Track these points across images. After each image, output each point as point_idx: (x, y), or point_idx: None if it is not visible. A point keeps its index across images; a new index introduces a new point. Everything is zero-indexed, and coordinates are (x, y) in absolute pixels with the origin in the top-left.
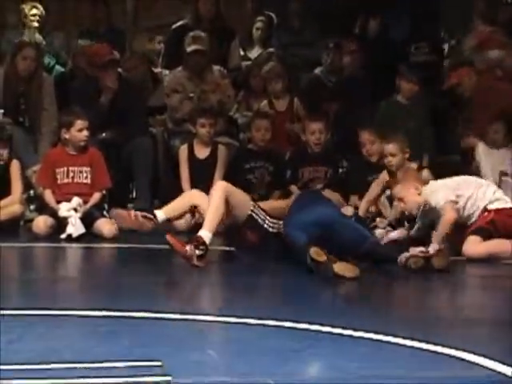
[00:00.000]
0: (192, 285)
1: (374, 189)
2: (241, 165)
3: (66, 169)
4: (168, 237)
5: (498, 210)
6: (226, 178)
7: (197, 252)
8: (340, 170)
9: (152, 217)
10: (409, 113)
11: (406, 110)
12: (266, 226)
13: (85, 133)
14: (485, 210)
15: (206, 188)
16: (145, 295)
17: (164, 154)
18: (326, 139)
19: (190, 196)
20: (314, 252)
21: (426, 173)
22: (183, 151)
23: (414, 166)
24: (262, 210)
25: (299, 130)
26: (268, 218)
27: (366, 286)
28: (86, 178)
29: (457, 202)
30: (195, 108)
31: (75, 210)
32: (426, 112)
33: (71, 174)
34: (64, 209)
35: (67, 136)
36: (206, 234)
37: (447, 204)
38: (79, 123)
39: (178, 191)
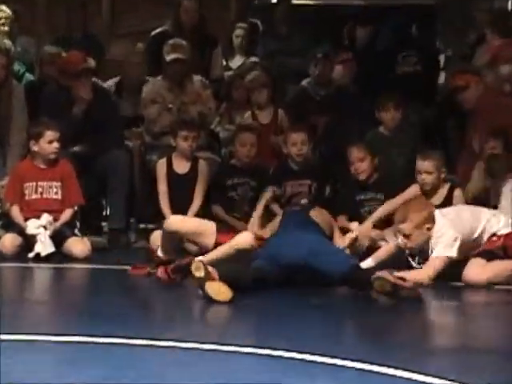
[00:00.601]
0: (167, 309)
1: (398, 200)
2: (223, 181)
3: (34, 184)
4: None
5: (508, 235)
6: (207, 195)
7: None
8: (327, 188)
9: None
10: (391, 144)
11: (389, 141)
12: None
13: (55, 145)
14: (493, 234)
15: (185, 205)
16: (118, 319)
17: (140, 169)
18: (309, 151)
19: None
20: (195, 266)
21: (457, 192)
22: (161, 166)
23: (446, 186)
24: None
25: (281, 142)
26: None
27: (353, 313)
28: (56, 193)
29: (451, 258)
30: (175, 120)
31: (44, 227)
32: (414, 141)
33: (40, 190)
34: (32, 226)
35: (36, 148)
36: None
37: (439, 259)
38: (49, 134)
39: (155, 209)
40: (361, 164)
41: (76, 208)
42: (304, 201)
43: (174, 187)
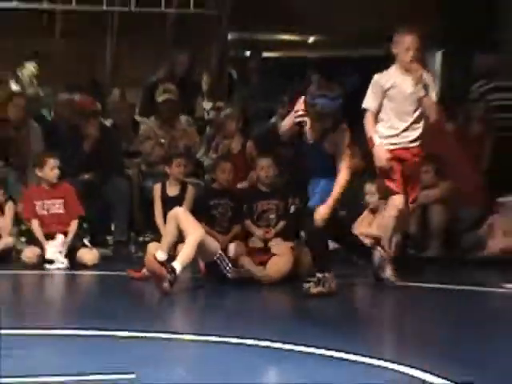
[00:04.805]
0: (165, 307)
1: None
2: (206, 202)
3: (42, 202)
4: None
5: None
6: (194, 213)
7: (168, 277)
8: (292, 207)
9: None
10: None
11: None
12: (225, 272)
13: (56, 171)
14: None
15: None
16: (122, 316)
17: (138, 193)
18: (276, 175)
19: (173, 218)
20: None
21: None
22: (157, 189)
23: None
24: (227, 257)
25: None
26: (230, 266)
27: (322, 302)
28: (59, 208)
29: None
30: (167, 151)
31: (60, 251)
32: None
33: (46, 207)
34: (51, 251)
35: (40, 174)
36: (177, 265)
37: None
38: (51, 162)
39: (150, 225)
40: None
41: (78, 220)
42: (272, 216)
43: (166, 207)
